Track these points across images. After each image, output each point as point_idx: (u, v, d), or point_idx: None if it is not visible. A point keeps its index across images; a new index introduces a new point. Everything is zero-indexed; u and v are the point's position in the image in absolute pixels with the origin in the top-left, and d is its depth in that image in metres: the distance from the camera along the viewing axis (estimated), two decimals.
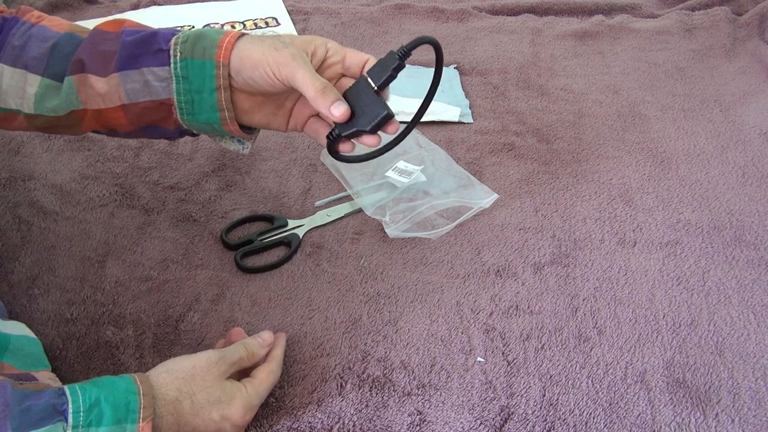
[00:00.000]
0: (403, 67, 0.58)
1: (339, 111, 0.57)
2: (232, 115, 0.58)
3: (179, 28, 0.61)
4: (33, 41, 0.61)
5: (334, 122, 0.59)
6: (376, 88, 0.58)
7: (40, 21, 0.63)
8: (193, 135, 0.65)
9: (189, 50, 0.57)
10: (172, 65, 0.58)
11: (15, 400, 0.46)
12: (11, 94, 0.61)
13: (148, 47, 0.59)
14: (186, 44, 0.58)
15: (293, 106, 0.63)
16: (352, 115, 0.58)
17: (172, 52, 0.58)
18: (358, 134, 0.60)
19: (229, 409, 0.54)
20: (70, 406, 0.48)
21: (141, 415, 0.49)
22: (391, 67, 0.58)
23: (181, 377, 0.53)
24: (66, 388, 0.49)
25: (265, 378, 0.59)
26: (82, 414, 0.48)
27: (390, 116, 0.58)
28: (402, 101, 1.00)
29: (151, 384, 0.52)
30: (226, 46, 0.57)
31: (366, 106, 0.58)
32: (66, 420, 0.47)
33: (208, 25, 1.21)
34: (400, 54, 0.57)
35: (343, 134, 0.60)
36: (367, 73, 0.59)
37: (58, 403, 0.47)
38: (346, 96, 0.59)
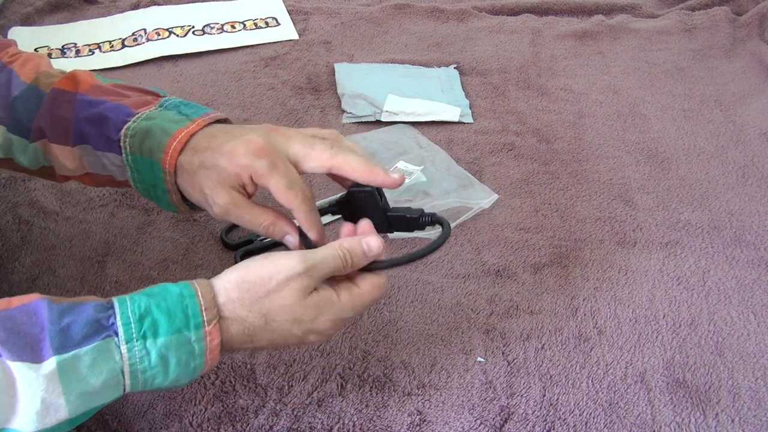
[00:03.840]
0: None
1: (397, 174, 0.53)
2: (185, 209, 0.57)
3: (134, 112, 0.56)
4: (1, 89, 0.59)
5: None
6: (388, 211, 0.55)
7: (12, 62, 0.60)
8: None
9: (137, 146, 0.54)
10: (123, 157, 0.55)
11: (52, 319, 0.41)
12: None
13: (99, 130, 0.56)
14: (134, 139, 0.54)
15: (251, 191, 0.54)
16: (358, 214, 0.55)
17: (122, 143, 0.55)
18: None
19: (313, 324, 0.47)
20: (119, 318, 0.42)
21: (204, 318, 0.43)
22: (411, 221, 0.55)
23: (253, 293, 0.45)
24: (114, 299, 0.44)
25: (368, 291, 0.49)
26: (133, 325, 0.42)
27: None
28: (402, 101, 1.00)
29: (213, 286, 0.45)
30: (172, 153, 0.52)
31: (374, 216, 0.54)
32: (116, 334, 0.42)
33: (207, 24, 1.21)
34: (423, 219, 0.55)
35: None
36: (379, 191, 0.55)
37: (103, 316, 0.42)
38: (355, 198, 0.55)
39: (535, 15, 1.29)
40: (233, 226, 0.80)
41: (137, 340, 0.42)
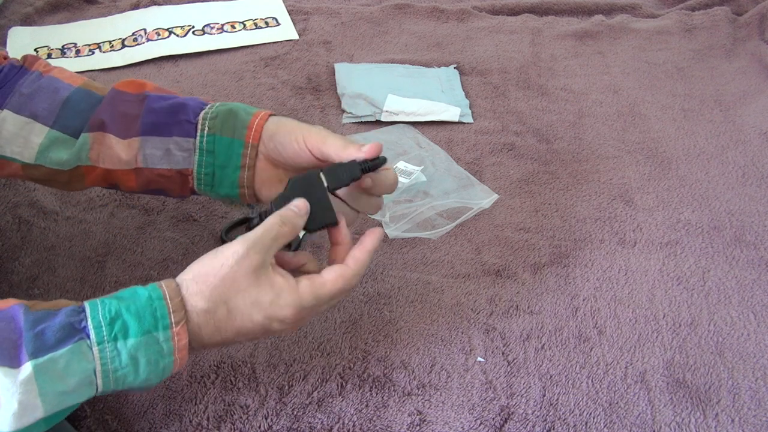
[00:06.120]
0: (359, 179, 0.56)
1: (368, 148, 0.54)
2: (252, 192, 0.58)
3: (206, 103, 0.61)
4: (43, 92, 0.60)
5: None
6: (329, 188, 0.56)
7: (49, 71, 0.63)
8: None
9: (218, 127, 0.57)
10: (197, 139, 0.57)
11: (27, 325, 0.43)
12: (12, 141, 0.59)
13: (175, 117, 0.58)
14: (215, 120, 0.58)
15: None
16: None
17: (200, 126, 0.58)
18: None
19: (273, 309, 0.48)
20: (90, 321, 0.44)
21: (172, 320, 0.46)
22: (350, 177, 0.55)
23: (210, 283, 0.47)
24: (86, 303, 0.46)
25: (332, 281, 0.50)
26: (104, 328, 0.44)
27: (335, 224, 0.55)
28: (402, 101, 1.00)
29: (179, 286, 0.48)
30: (256, 127, 0.57)
31: (315, 205, 0.55)
32: (88, 337, 0.44)
33: (207, 24, 1.21)
34: (363, 168, 0.55)
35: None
36: (324, 172, 0.56)
37: (75, 320, 0.44)
38: (294, 184, 0.55)
39: (535, 15, 1.29)
40: (233, 226, 0.80)
41: (108, 342, 0.44)
